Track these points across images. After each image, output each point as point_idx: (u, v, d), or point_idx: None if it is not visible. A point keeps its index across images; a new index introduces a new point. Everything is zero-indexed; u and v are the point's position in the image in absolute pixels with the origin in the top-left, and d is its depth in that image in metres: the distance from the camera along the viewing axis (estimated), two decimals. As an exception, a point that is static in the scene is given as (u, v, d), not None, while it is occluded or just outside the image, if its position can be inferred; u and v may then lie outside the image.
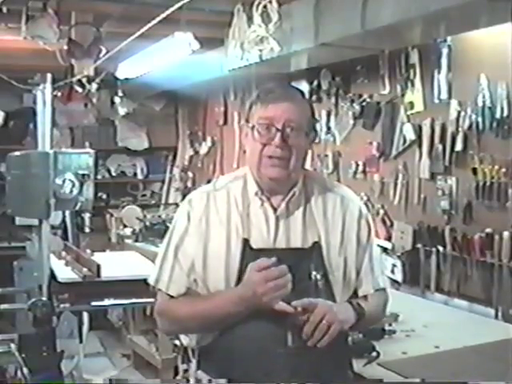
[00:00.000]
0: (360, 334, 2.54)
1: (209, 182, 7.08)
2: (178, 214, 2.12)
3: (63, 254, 4.06)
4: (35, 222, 3.20)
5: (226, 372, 1.96)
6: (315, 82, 4.80)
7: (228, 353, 1.96)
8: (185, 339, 3.30)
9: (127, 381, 5.15)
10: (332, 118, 4.69)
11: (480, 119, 3.43)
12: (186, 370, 3.42)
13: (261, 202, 2.03)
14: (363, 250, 2.07)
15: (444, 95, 3.67)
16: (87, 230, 6.87)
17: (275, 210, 2.02)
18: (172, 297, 2.05)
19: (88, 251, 4.09)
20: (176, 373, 3.67)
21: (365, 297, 2.07)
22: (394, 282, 3.88)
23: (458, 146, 3.56)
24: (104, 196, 7.29)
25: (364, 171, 4.38)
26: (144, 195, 7.81)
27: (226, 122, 6.53)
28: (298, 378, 1.88)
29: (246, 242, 1.98)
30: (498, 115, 3.34)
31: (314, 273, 1.96)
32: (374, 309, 2.09)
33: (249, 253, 1.96)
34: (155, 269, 2.10)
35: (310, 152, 4.75)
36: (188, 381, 2.29)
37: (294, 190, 2.03)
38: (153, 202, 7.67)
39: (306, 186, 2.08)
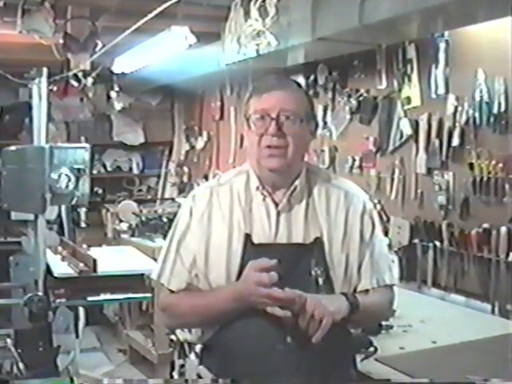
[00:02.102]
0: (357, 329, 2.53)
1: (205, 176, 7.04)
2: (181, 210, 2.12)
3: (59, 248, 4.06)
4: (31, 216, 3.19)
5: (227, 368, 1.96)
6: (312, 77, 4.79)
7: (228, 349, 1.95)
8: (181, 334, 3.29)
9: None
10: (329, 112, 4.68)
11: (477, 114, 3.42)
12: (182, 365, 3.42)
13: (262, 196, 2.02)
14: (366, 246, 2.05)
15: (441, 90, 3.66)
16: (83, 224, 6.87)
17: (277, 204, 2.02)
18: (173, 292, 2.05)
19: (84, 246, 4.10)
20: (172, 368, 3.67)
21: (366, 291, 2.04)
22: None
23: (455, 141, 3.55)
24: (100, 191, 7.28)
25: (360, 166, 4.38)
26: (140, 190, 7.80)
27: (222, 117, 6.52)
28: (298, 374, 1.87)
29: (247, 236, 1.97)
30: (495, 110, 3.32)
31: (314, 269, 1.95)
32: (376, 304, 2.07)
33: (250, 248, 1.96)
34: (158, 263, 2.10)
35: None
36: (187, 381, 2.28)
37: (295, 183, 2.02)
38: (149, 196, 7.66)
39: (309, 181, 2.07)
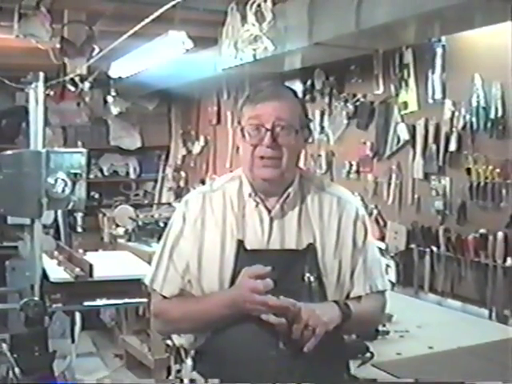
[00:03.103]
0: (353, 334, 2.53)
1: (202, 181, 7.02)
2: (174, 215, 2.11)
3: (55, 253, 4.03)
4: (27, 221, 3.18)
5: (219, 373, 1.95)
6: (309, 82, 4.80)
7: (220, 354, 1.95)
8: (177, 339, 3.29)
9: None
10: (326, 117, 4.69)
11: (474, 119, 3.42)
12: (178, 371, 3.40)
13: (255, 203, 2.02)
14: (359, 252, 2.05)
15: (438, 95, 3.67)
16: (79, 229, 6.85)
17: (269, 211, 2.01)
18: (166, 298, 2.04)
19: (80, 251, 4.07)
20: (169, 373, 3.65)
21: (358, 298, 2.05)
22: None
23: (452, 146, 3.55)
24: (96, 195, 7.28)
25: (358, 171, 4.38)
26: (137, 195, 7.79)
27: (219, 122, 6.52)
28: (291, 380, 1.86)
29: (240, 243, 1.97)
30: (492, 115, 3.33)
31: (307, 275, 1.95)
32: (369, 311, 2.07)
33: (243, 254, 1.95)
34: (151, 269, 2.10)
35: (303, 151, 4.78)
36: (182, 381, 2.28)
37: (288, 190, 2.02)
38: (145, 201, 7.65)
39: (302, 187, 2.07)
